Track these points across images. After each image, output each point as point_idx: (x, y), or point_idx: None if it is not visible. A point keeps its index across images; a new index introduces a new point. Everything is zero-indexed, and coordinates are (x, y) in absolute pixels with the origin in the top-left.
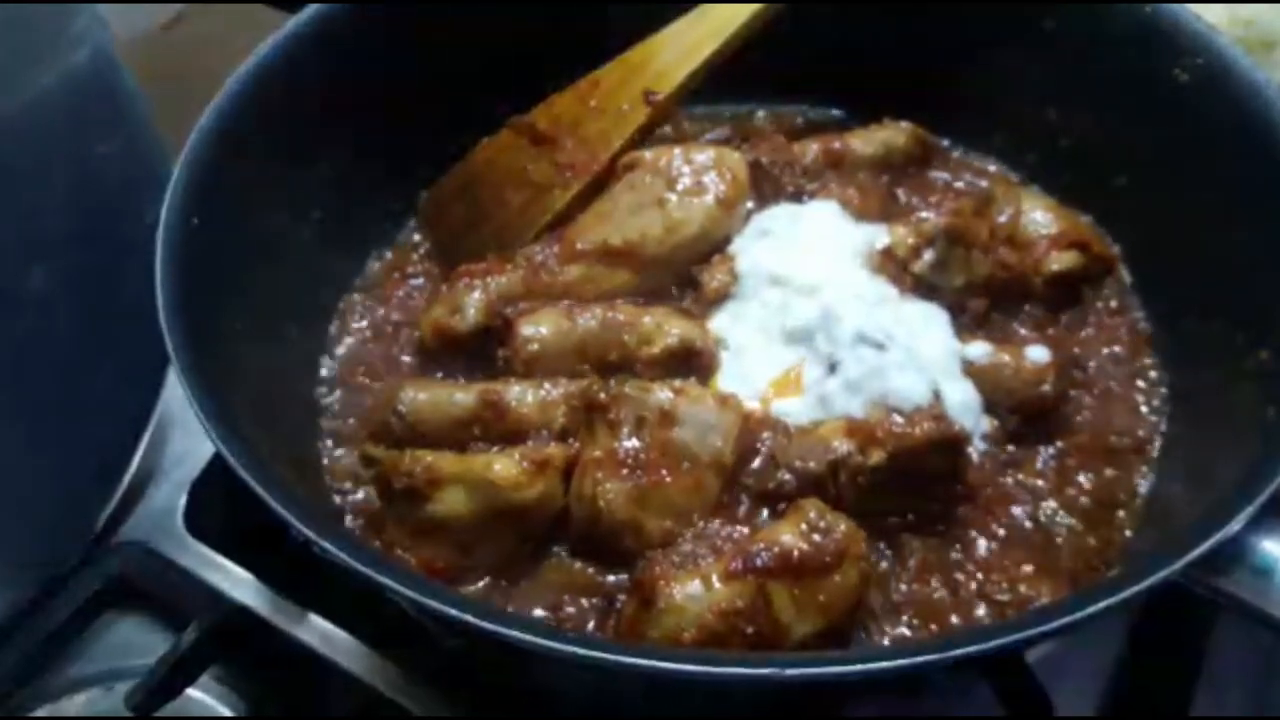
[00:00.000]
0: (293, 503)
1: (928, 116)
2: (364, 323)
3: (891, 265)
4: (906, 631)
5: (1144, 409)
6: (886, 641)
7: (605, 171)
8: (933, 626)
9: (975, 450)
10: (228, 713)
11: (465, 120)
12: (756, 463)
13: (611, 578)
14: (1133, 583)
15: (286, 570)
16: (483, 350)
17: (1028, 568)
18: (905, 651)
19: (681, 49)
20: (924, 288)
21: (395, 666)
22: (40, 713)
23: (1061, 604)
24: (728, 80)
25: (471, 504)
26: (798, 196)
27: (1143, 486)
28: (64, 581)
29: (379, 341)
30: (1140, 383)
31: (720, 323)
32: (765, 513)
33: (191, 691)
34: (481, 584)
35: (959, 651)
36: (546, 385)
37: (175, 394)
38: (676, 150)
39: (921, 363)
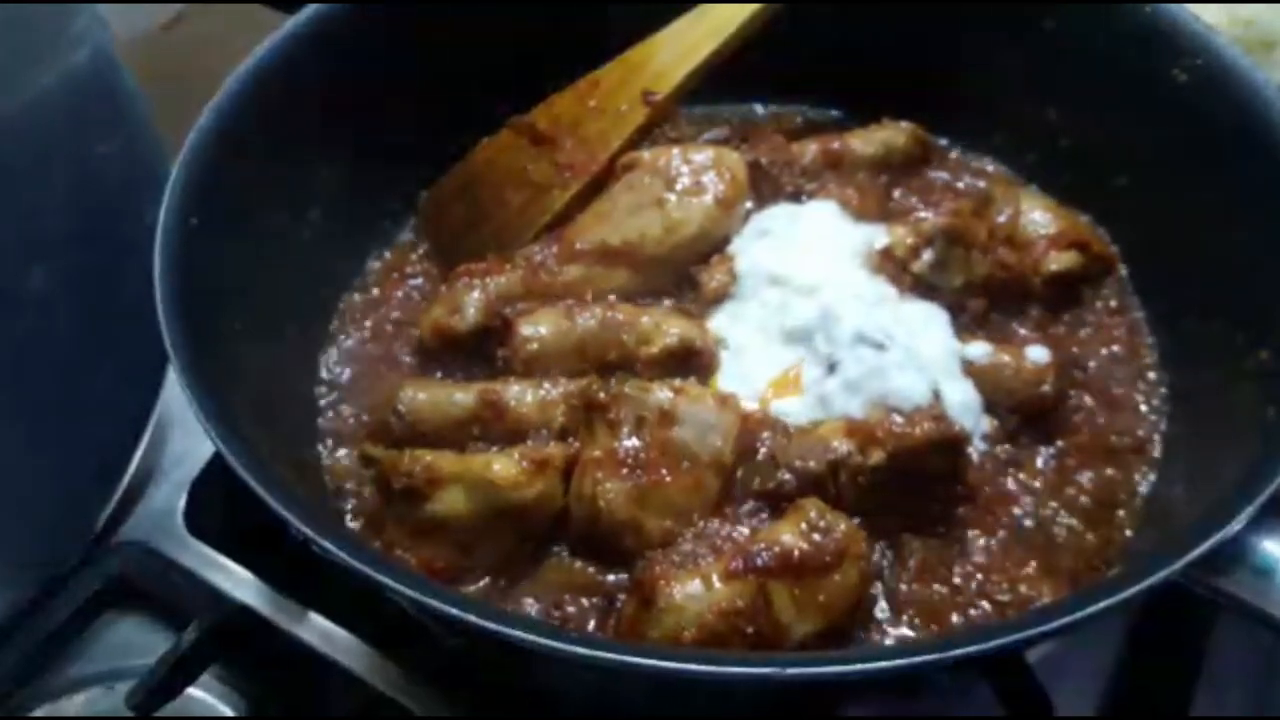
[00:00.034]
0: (293, 502)
1: (927, 116)
2: (364, 322)
3: (891, 265)
4: (907, 631)
5: (1144, 409)
6: (887, 641)
7: (604, 171)
8: (933, 626)
9: (975, 450)
10: (228, 712)
11: (465, 120)
12: (757, 462)
13: (611, 577)
14: (1133, 583)
15: (286, 569)
16: (482, 350)
17: (1028, 568)
18: (905, 651)
19: (680, 49)
20: (923, 288)
21: (395, 666)
22: (40, 713)
23: (1061, 604)
24: (727, 80)
25: (471, 504)
26: (797, 196)
27: (1143, 486)
28: (64, 581)
29: (379, 341)
30: (1140, 383)
31: (719, 322)
32: (765, 513)
33: (192, 691)
34: (481, 584)
35: (959, 651)
36: (546, 385)
37: (175, 394)
38: (675, 150)
39: (921, 363)
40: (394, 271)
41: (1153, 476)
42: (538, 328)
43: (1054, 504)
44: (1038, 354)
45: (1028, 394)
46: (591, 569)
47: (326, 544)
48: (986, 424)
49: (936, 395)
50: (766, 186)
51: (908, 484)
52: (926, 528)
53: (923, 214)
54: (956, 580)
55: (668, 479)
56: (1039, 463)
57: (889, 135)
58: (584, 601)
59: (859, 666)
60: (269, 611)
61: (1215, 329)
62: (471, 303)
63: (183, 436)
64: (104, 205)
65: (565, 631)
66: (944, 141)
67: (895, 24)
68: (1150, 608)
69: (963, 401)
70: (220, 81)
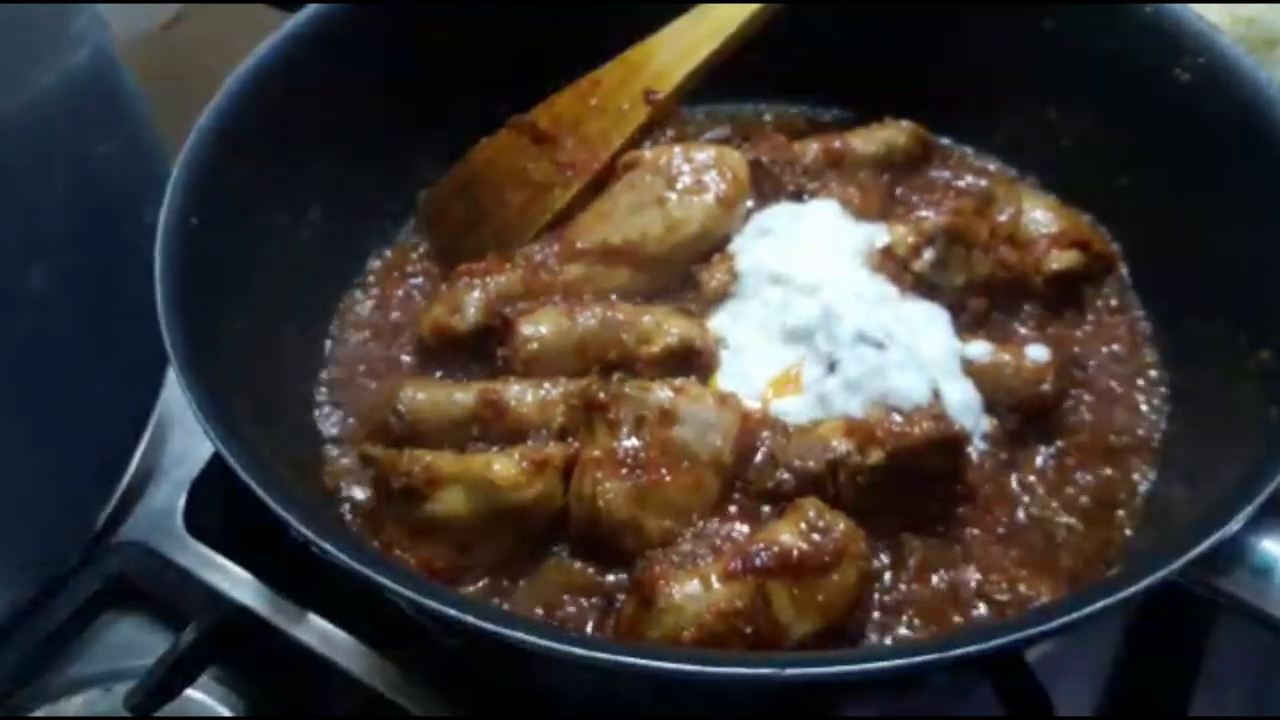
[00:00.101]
0: (292, 503)
1: (928, 115)
2: (364, 322)
3: (892, 264)
4: (906, 631)
5: (1144, 408)
6: (887, 641)
7: (605, 171)
8: (932, 626)
9: (975, 450)
10: (227, 713)
11: (465, 120)
12: (756, 462)
13: (611, 577)
14: (1132, 582)
15: (286, 570)
16: (482, 350)
17: (1027, 567)
18: (905, 651)
19: (681, 48)
20: (924, 287)
21: (394, 666)
22: (40, 713)
23: (1061, 604)
24: (728, 79)
25: (470, 504)
26: (798, 195)
27: (1142, 486)
28: (64, 581)
29: (379, 341)
30: (1140, 382)
31: (720, 322)
32: (765, 512)
33: (191, 691)
34: (481, 584)
35: (959, 651)
36: (546, 385)
37: (175, 394)
38: (676, 149)
39: (921, 362)
40: (394, 271)
41: (1152, 476)
42: (538, 327)
43: (1054, 503)
44: (1038, 353)
45: (1028, 393)
46: (591, 569)
47: (326, 544)
48: (986, 423)
49: (936, 394)
50: (768, 185)
51: (907, 483)
52: (926, 527)
53: (924, 213)
54: (956, 580)
55: (667, 479)
56: (1039, 462)
57: (890, 134)
58: (583, 602)
59: (858, 666)
60: (268, 612)
61: (1216, 328)
62: (472, 302)
63: (183, 436)
64: (104, 205)
65: (564, 632)
66: (945, 140)
67: (896, 23)
68: (1149, 607)
69: (963, 401)
70: (220, 81)
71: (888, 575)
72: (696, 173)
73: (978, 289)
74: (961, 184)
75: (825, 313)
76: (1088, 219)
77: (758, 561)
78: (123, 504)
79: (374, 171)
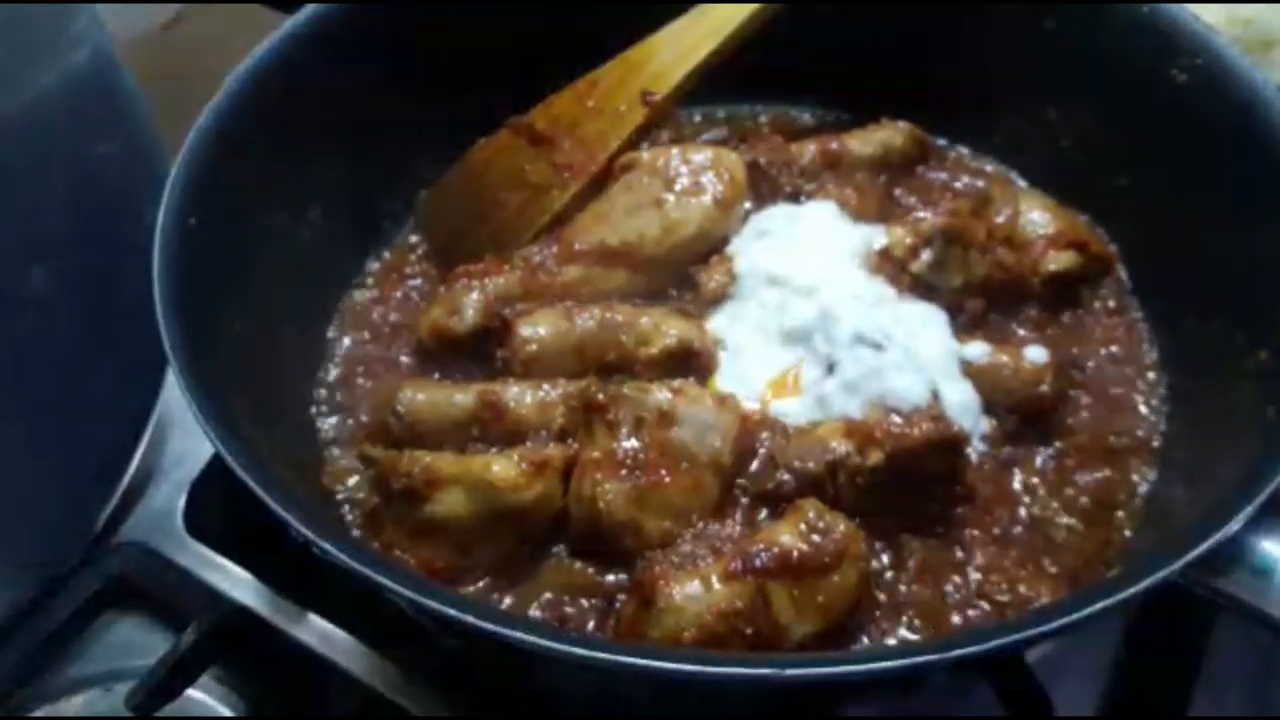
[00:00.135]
0: (292, 503)
1: (926, 116)
2: (363, 323)
3: (889, 265)
4: (906, 632)
5: (1143, 409)
6: (887, 642)
7: (603, 172)
8: (932, 627)
9: (974, 451)
10: (227, 713)
11: (464, 120)
12: (755, 463)
13: (611, 578)
14: (1132, 583)
15: (286, 570)
16: (481, 351)
17: (1027, 568)
18: (905, 651)
19: (679, 49)
20: (922, 288)
21: (394, 666)
22: (40, 713)
23: (1061, 604)
24: (726, 80)
25: (470, 505)
26: (795, 197)
27: (1142, 486)
28: (64, 581)
29: (378, 342)
30: (1139, 383)
31: (718, 323)
32: (764, 513)
33: (191, 692)
34: (481, 584)
35: (959, 651)
36: (545, 386)
37: (175, 394)
38: (674, 151)
39: (920, 363)
40: (393, 272)
41: (1152, 477)
42: (537, 329)
43: (1053, 504)
44: (1036, 354)
45: (1026, 394)
46: (591, 570)
47: (325, 545)
48: (985, 424)
49: (935, 396)
50: (765, 187)
51: (906, 484)
52: (925, 528)
53: (921, 214)
54: (956, 580)
55: (667, 480)
56: (1038, 463)
57: (887, 135)
58: (583, 602)
59: (858, 667)
60: (268, 612)
61: (1215, 329)
62: (470, 304)
63: (183, 436)
64: (104, 205)
65: (564, 632)
66: (943, 141)
67: (894, 24)
68: (1149, 608)
69: (961, 402)
70: (220, 81)
71: (888, 576)
72: (694, 174)
73: (975, 290)
74: (959, 185)
75: (823, 314)
76: (1085, 220)
77: (758, 562)
78: (123, 504)
79: (373, 171)
